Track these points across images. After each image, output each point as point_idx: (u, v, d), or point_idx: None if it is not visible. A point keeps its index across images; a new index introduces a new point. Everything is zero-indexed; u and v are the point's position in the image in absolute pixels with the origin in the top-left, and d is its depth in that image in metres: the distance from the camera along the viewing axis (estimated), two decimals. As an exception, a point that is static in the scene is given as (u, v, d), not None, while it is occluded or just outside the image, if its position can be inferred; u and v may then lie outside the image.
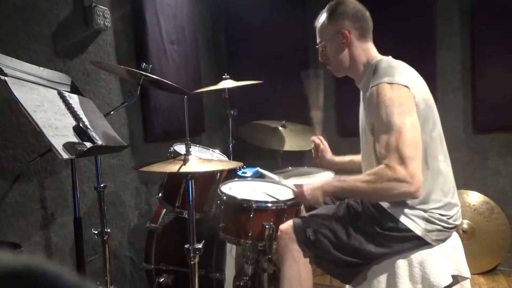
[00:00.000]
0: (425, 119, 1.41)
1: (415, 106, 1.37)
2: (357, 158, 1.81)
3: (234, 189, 1.95)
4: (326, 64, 1.66)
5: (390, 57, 1.55)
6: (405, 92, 1.37)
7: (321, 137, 1.98)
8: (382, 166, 1.31)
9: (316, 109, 1.97)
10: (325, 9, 1.60)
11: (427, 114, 1.42)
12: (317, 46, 1.65)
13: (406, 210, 1.42)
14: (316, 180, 2.17)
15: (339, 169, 1.98)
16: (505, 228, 2.69)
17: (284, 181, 1.95)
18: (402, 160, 1.27)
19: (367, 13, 1.58)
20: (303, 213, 1.88)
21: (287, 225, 1.56)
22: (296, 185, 1.64)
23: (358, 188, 1.36)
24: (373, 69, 1.47)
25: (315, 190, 1.50)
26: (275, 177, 1.98)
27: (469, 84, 2.85)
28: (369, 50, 1.57)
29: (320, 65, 1.70)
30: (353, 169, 1.77)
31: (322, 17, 1.60)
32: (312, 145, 2.00)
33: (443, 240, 1.45)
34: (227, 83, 2.42)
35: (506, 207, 2.74)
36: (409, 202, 1.43)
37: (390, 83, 1.37)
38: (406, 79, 1.40)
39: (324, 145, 1.96)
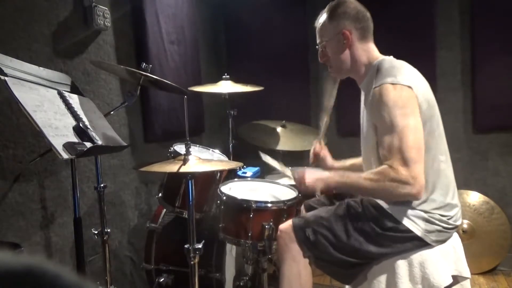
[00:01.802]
0: (428, 120, 1.41)
1: (418, 107, 1.37)
2: (358, 161, 1.78)
3: (234, 189, 1.95)
4: (326, 65, 1.65)
5: (391, 57, 1.55)
6: (408, 93, 1.36)
7: (322, 144, 1.91)
8: (385, 166, 1.32)
9: (325, 112, 1.93)
10: (326, 9, 1.59)
11: (430, 114, 1.42)
12: (317, 47, 1.64)
13: (407, 211, 1.42)
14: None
15: None
16: (505, 228, 2.69)
17: (284, 169, 1.91)
18: (405, 162, 1.28)
19: (368, 14, 1.57)
20: (303, 213, 1.88)
21: (286, 225, 1.55)
22: (296, 171, 1.59)
23: (360, 185, 1.38)
24: (376, 69, 1.46)
25: (317, 181, 1.48)
26: (275, 164, 1.94)
27: (469, 84, 2.85)
28: (370, 51, 1.56)
29: (320, 66, 1.68)
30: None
31: (323, 17, 1.59)
32: (312, 151, 1.92)
33: (443, 241, 1.45)
34: (227, 84, 2.42)
35: (506, 207, 2.74)
36: (410, 202, 1.43)
37: (393, 84, 1.37)
38: (409, 79, 1.40)
39: (324, 152, 1.89)
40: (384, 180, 1.31)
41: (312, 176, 1.50)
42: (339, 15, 1.54)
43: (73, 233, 1.55)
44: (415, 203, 1.42)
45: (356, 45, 1.54)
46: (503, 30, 2.69)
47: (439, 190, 1.44)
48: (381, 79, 1.40)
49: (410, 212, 1.42)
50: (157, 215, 2.17)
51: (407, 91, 1.36)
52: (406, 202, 1.43)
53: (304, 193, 1.82)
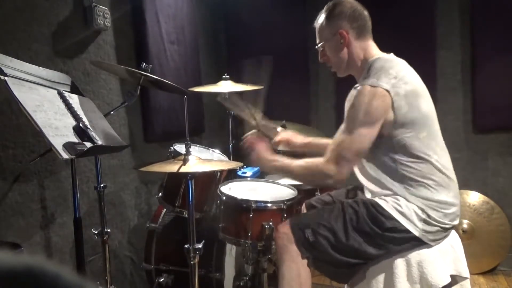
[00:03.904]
0: (408, 122, 1.43)
1: (387, 113, 1.41)
2: (318, 140, 1.90)
3: (233, 189, 1.95)
4: (327, 64, 1.67)
5: (391, 54, 1.56)
6: (381, 100, 1.41)
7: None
8: (320, 160, 1.47)
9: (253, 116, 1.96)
10: (323, 10, 1.62)
11: (412, 117, 1.43)
12: (316, 47, 1.66)
13: (405, 211, 1.42)
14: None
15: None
16: (505, 228, 2.69)
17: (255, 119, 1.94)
18: (338, 160, 1.43)
19: (365, 12, 1.59)
20: (303, 211, 1.88)
21: (284, 225, 1.55)
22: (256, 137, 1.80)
23: (289, 169, 1.57)
24: (368, 68, 1.50)
25: (259, 159, 1.67)
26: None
27: (469, 84, 2.84)
28: (368, 48, 1.58)
29: (320, 66, 1.70)
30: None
31: (321, 18, 1.62)
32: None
33: (441, 240, 1.45)
34: (227, 84, 2.42)
35: (506, 207, 2.73)
36: (410, 202, 1.43)
37: (372, 86, 1.42)
38: (392, 82, 1.42)
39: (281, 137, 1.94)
40: (313, 171, 1.49)
41: (261, 152, 1.67)
42: (336, 16, 1.57)
43: (73, 233, 1.55)
44: (414, 202, 1.43)
45: (354, 44, 1.57)
46: (503, 30, 2.69)
47: (440, 189, 1.44)
48: (366, 79, 1.46)
49: (408, 212, 1.42)
50: (157, 215, 2.17)
51: (381, 98, 1.41)
52: (404, 202, 1.43)
53: (309, 205, 1.85)
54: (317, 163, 1.49)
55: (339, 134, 1.49)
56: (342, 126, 1.49)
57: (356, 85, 1.49)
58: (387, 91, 1.40)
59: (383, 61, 1.52)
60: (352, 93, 1.50)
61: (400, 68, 1.49)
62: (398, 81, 1.43)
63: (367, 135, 1.43)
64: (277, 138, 1.92)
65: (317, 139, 1.93)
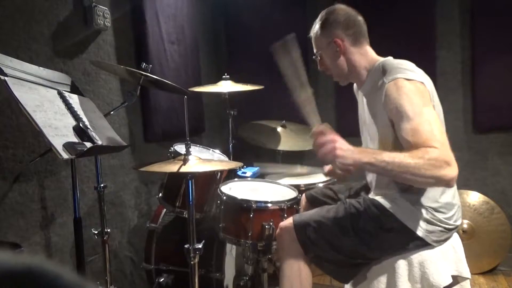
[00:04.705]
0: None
1: (432, 101, 1.37)
2: None
3: (234, 189, 1.95)
4: (327, 73, 1.65)
5: (390, 57, 1.55)
6: (423, 87, 1.36)
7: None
8: (422, 148, 1.21)
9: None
10: (317, 19, 1.61)
11: (437, 111, 1.41)
12: (313, 57, 1.65)
13: (408, 211, 1.42)
14: (316, 181, 2.18)
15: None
16: (505, 228, 2.69)
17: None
18: (443, 144, 1.22)
19: (359, 18, 1.57)
20: (303, 203, 1.88)
21: (287, 223, 1.55)
22: (325, 128, 1.35)
23: (401, 162, 1.19)
24: (380, 69, 1.45)
25: (349, 151, 1.24)
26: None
27: (469, 84, 2.85)
28: (367, 54, 1.56)
29: (316, 65, 1.67)
30: None
31: (316, 28, 1.61)
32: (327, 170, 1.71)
33: (443, 241, 1.45)
34: (227, 84, 2.42)
35: (506, 207, 2.74)
36: (413, 202, 1.43)
37: (406, 79, 1.36)
38: (419, 76, 1.39)
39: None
40: (426, 159, 1.17)
41: (345, 144, 1.26)
42: (330, 25, 1.55)
43: (73, 233, 1.55)
44: (418, 202, 1.42)
45: (351, 50, 1.55)
46: (503, 30, 2.69)
47: (441, 189, 1.44)
48: (392, 75, 1.39)
49: (411, 212, 1.42)
50: (157, 215, 2.17)
51: (422, 86, 1.36)
52: (408, 202, 1.43)
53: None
54: (428, 150, 1.19)
55: (411, 123, 1.27)
56: (405, 119, 1.29)
57: (387, 82, 1.37)
58: (422, 83, 1.37)
59: (394, 61, 1.49)
60: (390, 87, 1.36)
61: (416, 66, 1.46)
62: (421, 75, 1.42)
63: (436, 117, 1.32)
64: None
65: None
